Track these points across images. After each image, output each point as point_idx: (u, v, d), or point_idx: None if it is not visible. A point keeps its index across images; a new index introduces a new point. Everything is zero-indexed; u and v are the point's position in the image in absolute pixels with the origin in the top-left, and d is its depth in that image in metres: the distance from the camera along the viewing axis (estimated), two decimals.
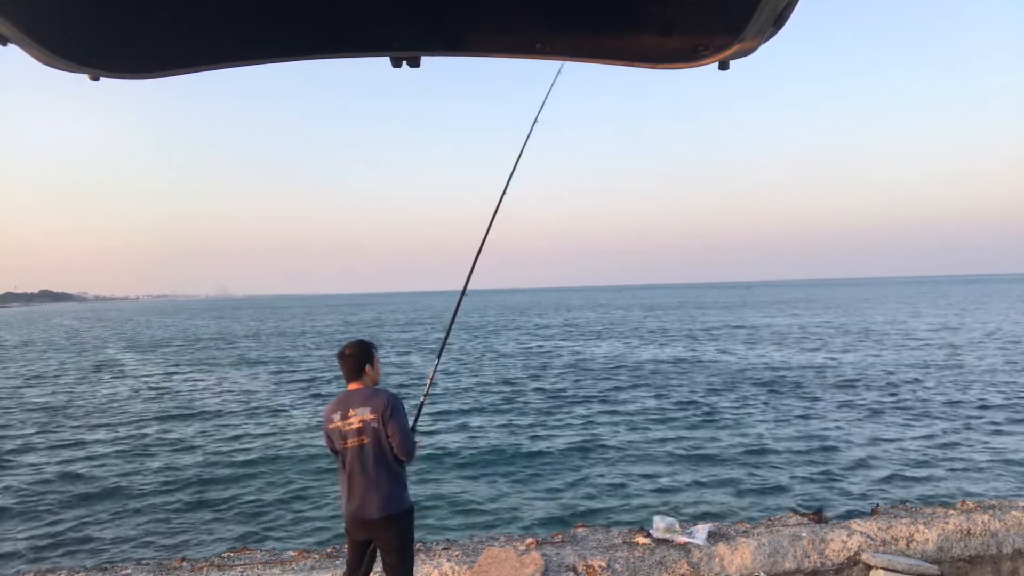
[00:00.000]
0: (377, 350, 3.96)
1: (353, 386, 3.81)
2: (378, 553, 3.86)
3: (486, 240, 4.93)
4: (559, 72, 5.30)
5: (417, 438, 4.09)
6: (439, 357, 4.69)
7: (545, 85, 5.25)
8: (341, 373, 3.86)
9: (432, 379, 4.60)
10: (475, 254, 4.94)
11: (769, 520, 5.57)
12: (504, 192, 4.99)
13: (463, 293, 5.04)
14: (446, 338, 4.88)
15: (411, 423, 4.09)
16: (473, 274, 4.96)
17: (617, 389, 23.38)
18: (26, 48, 1.32)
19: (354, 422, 3.68)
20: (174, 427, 18.43)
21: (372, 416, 3.66)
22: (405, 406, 3.84)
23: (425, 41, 1.50)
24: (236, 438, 16.84)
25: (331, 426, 3.75)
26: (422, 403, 4.42)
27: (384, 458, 3.69)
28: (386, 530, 3.72)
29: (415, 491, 11.72)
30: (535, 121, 5.25)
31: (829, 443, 14.90)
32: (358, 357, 3.81)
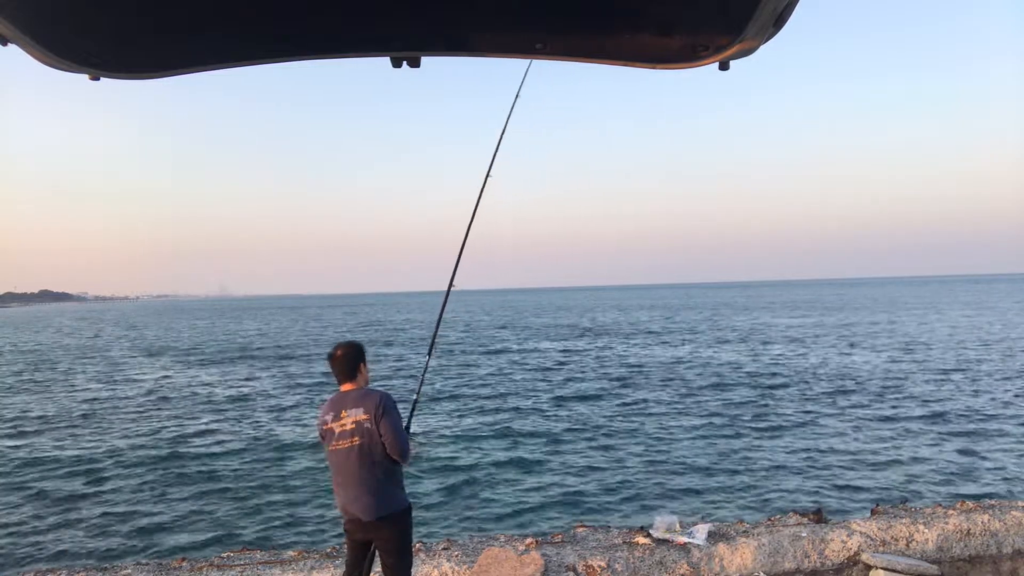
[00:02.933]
0: (366, 351, 3.94)
1: (346, 387, 3.80)
2: (377, 553, 3.86)
3: (471, 226, 4.91)
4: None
5: (411, 438, 4.06)
6: (429, 354, 4.67)
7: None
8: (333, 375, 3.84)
9: (424, 377, 4.57)
10: (461, 243, 4.90)
11: (769, 520, 5.57)
12: (488, 175, 5.00)
13: (450, 285, 4.97)
14: (435, 335, 4.81)
15: (405, 423, 4.07)
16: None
17: (616, 389, 23.38)
18: (26, 48, 1.31)
19: (347, 423, 3.67)
20: (174, 428, 18.43)
21: (365, 416, 3.64)
22: (400, 406, 3.82)
23: (425, 41, 1.49)
24: (236, 438, 16.85)
25: (325, 427, 3.75)
26: (415, 402, 4.38)
27: (378, 458, 3.67)
28: (383, 530, 3.71)
29: (415, 491, 11.75)
30: (516, 96, 5.26)
31: (829, 443, 14.90)
32: (350, 357, 3.79)
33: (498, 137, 5.21)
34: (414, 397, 4.42)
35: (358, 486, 3.66)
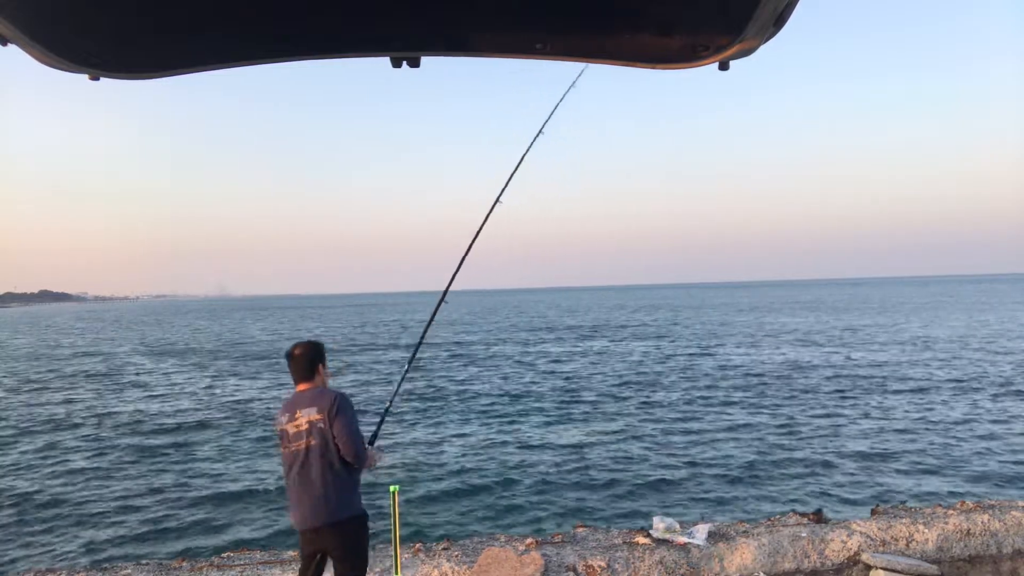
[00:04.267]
0: (326, 351, 3.83)
1: (302, 387, 3.67)
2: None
3: (472, 246, 4.81)
4: (572, 86, 5.13)
5: (378, 445, 3.94)
6: (409, 364, 4.53)
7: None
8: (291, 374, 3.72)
9: (399, 388, 4.44)
10: (460, 259, 4.80)
11: (769, 520, 5.57)
12: (498, 200, 4.83)
13: (442, 299, 4.86)
14: (418, 345, 4.71)
15: (373, 432, 3.99)
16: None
17: (616, 390, 23.37)
18: (26, 48, 1.31)
19: (301, 423, 3.54)
20: (175, 428, 18.43)
21: (319, 416, 3.51)
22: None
23: (425, 41, 1.49)
24: (238, 438, 16.85)
25: (280, 429, 3.64)
26: (386, 411, 4.28)
27: (331, 461, 3.53)
28: (333, 537, 3.56)
29: (416, 490, 11.74)
30: (539, 132, 5.07)
31: (829, 443, 14.90)
32: (308, 357, 3.68)
33: (517, 161, 4.98)
34: (387, 404, 4.31)
35: (309, 490, 3.53)
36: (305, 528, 3.58)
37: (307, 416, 3.54)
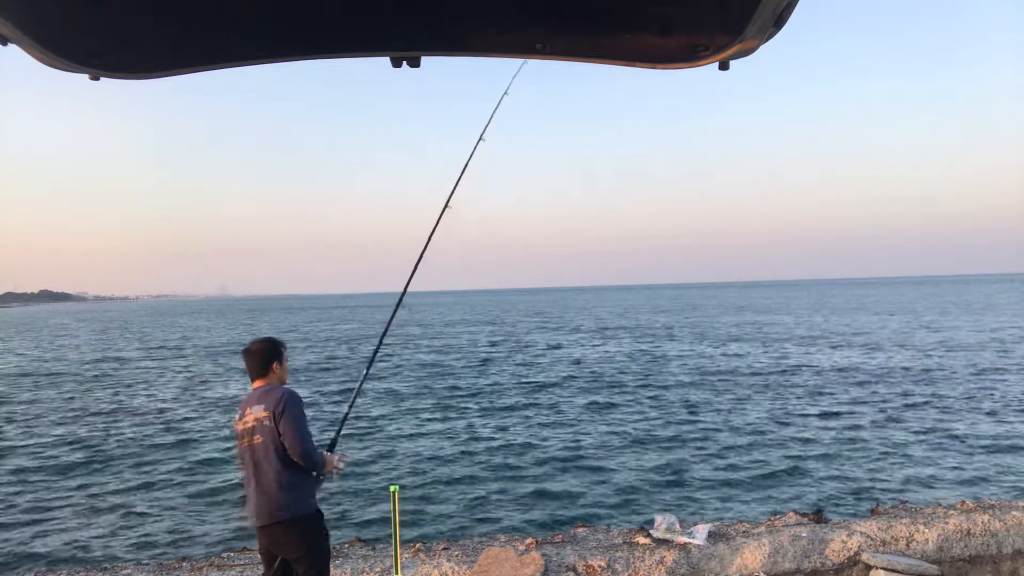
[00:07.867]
0: (286, 349, 3.81)
1: (256, 384, 3.67)
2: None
3: (426, 251, 4.88)
4: (505, 93, 5.32)
5: (339, 451, 3.92)
6: (368, 368, 4.52)
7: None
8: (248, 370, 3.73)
9: (357, 395, 4.43)
10: (415, 263, 4.86)
11: (769, 520, 5.57)
12: (447, 205, 4.88)
13: (399, 303, 4.90)
14: (377, 348, 4.72)
15: (332, 437, 4.01)
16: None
17: (616, 389, 23.38)
18: (26, 48, 1.31)
19: (249, 420, 3.54)
20: (175, 428, 18.44)
21: (265, 413, 3.50)
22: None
23: (425, 41, 1.49)
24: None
25: (234, 426, 3.65)
26: (345, 415, 4.28)
27: (279, 458, 3.50)
28: (284, 537, 3.53)
29: (416, 490, 11.74)
30: (480, 139, 5.14)
31: (829, 443, 14.90)
32: (263, 354, 3.66)
33: (464, 163, 5.01)
34: (346, 409, 4.31)
35: (257, 487, 3.52)
36: (256, 525, 3.57)
37: (255, 413, 3.53)
